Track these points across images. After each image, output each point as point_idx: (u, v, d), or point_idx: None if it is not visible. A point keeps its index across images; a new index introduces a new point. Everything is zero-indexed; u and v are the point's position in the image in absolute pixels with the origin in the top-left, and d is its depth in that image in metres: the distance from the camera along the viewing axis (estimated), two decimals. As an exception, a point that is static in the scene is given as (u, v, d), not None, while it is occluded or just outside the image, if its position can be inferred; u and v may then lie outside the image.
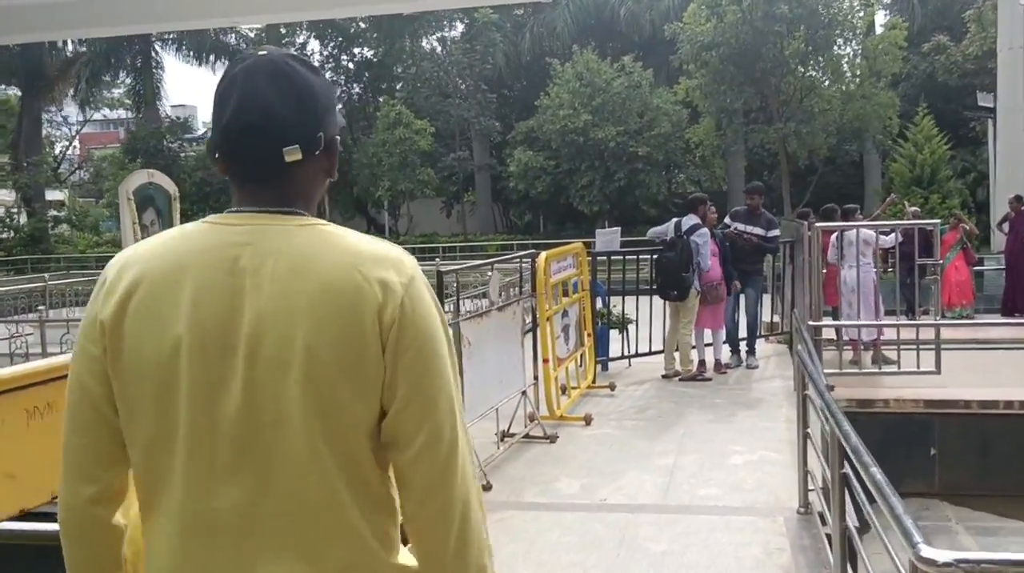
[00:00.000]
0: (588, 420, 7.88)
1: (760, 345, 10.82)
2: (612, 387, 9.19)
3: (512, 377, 7.24)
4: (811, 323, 8.72)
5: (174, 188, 14.25)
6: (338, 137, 1.49)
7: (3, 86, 35.49)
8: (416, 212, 36.96)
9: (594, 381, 9.34)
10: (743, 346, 10.42)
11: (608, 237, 10.78)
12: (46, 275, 20.10)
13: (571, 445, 7.28)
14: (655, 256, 9.52)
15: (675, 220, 9.59)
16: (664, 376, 9.64)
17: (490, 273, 7.22)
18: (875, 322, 9.48)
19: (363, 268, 1.36)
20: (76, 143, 48.62)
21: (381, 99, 34.43)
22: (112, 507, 1.47)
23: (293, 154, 1.39)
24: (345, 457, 1.37)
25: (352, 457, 1.38)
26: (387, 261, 1.39)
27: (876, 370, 9.20)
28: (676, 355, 9.70)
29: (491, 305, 6.91)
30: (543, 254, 8.00)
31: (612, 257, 10.95)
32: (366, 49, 39.68)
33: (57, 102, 34.48)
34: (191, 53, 34.16)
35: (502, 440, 7.23)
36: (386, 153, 29.97)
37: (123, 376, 1.38)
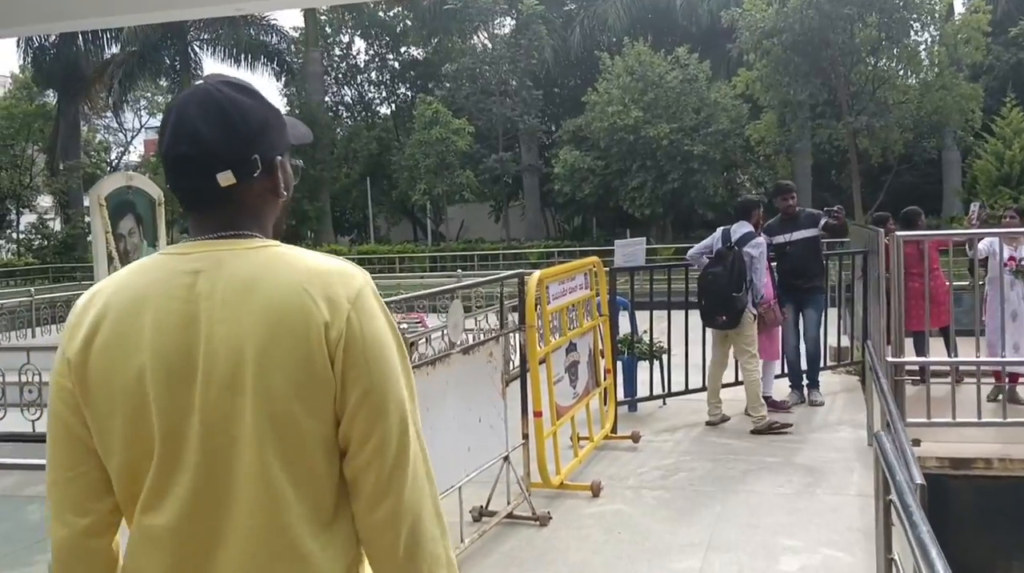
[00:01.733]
0: (596, 490, 6.05)
1: (824, 377, 8.88)
2: (636, 438, 7.32)
3: (488, 440, 5.44)
4: (890, 360, 6.82)
5: (158, 192, 12.73)
6: (281, 157, 1.48)
7: (41, 91, 34.82)
8: (465, 217, 35.46)
9: (614, 430, 7.49)
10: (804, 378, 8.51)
11: (630, 249, 8.88)
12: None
13: (566, 530, 5.46)
14: (699, 272, 7.66)
15: (721, 230, 7.70)
16: (709, 424, 7.73)
17: (451, 302, 5.40)
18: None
19: (309, 286, 1.37)
20: (141, 148, 48.04)
21: (407, 93, 32.94)
22: (108, 537, 1.49)
23: (227, 179, 1.40)
24: (303, 480, 1.37)
25: (311, 480, 1.38)
26: (334, 277, 1.40)
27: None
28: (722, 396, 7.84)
29: (450, 347, 5.13)
30: (536, 273, 6.17)
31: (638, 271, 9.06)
32: (413, 48, 38.40)
33: (93, 106, 33.66)
34: (227, 53, 33.04)
35: (478, 519, 5.47)
36: (423, 154, 28.35)
37: (94, 409, 1.40)
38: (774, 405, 8.05)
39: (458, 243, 31.88)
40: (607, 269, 7.85)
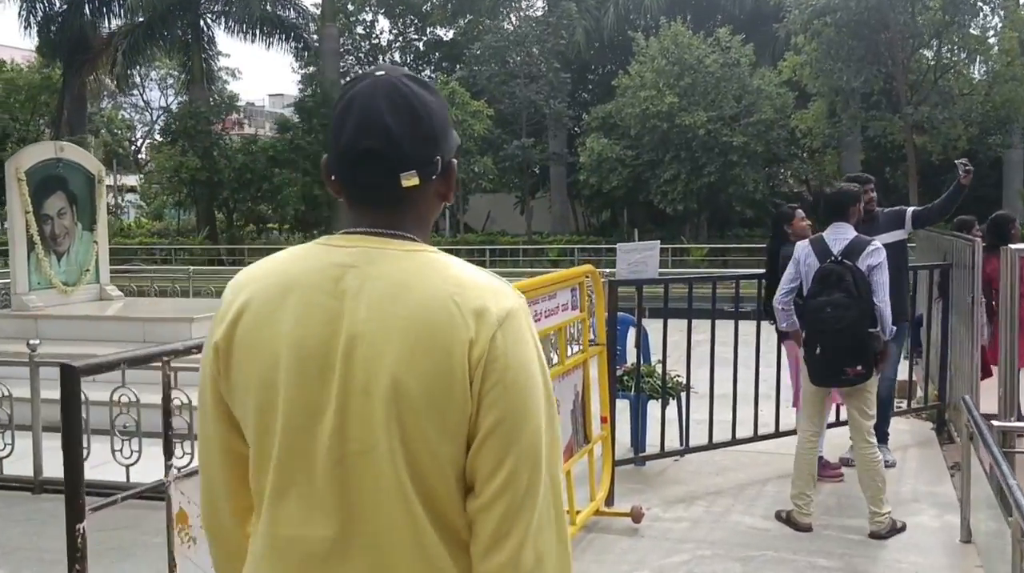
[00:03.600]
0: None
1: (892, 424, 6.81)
2: (637, 516, 5.27)
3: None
4: (999, 425, 4.81)
5: (99, 167, 10.87)
6: (454, 160, 1.44)
7: (47, 62, 33.31)
8: (492, 208, 33.59)
9: (608, 501, 5.47)
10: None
11: (637, 256, 6.70)
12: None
13: None
14: (806, 306, 5.15)
15: (803, 244, 5.30)
16: (786, 517, 5.34)
17: None
18: None
19: (459, 299, 1.31)
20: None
21: (432, 75, 31.03)
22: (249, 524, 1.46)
23: (410, 179, 1.36)
24: (431, 498, 1.30)
25: (441, 500, 1.31)
26: (486, 293, 1.33)
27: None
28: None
29: None
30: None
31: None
32: (439, 28, 36.52)
33: (98, 78, 32.12)
34: (240, 27, 31.26)
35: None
36: (435, 138, 26.42)
37: (232, 396, 1.38)
38: (826, 468, 6.00)
39: (479, 235, 29.90)
40: (606, 280, 5.82)
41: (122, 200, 37.96)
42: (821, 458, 5.93)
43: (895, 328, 5.28)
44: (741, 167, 25.44)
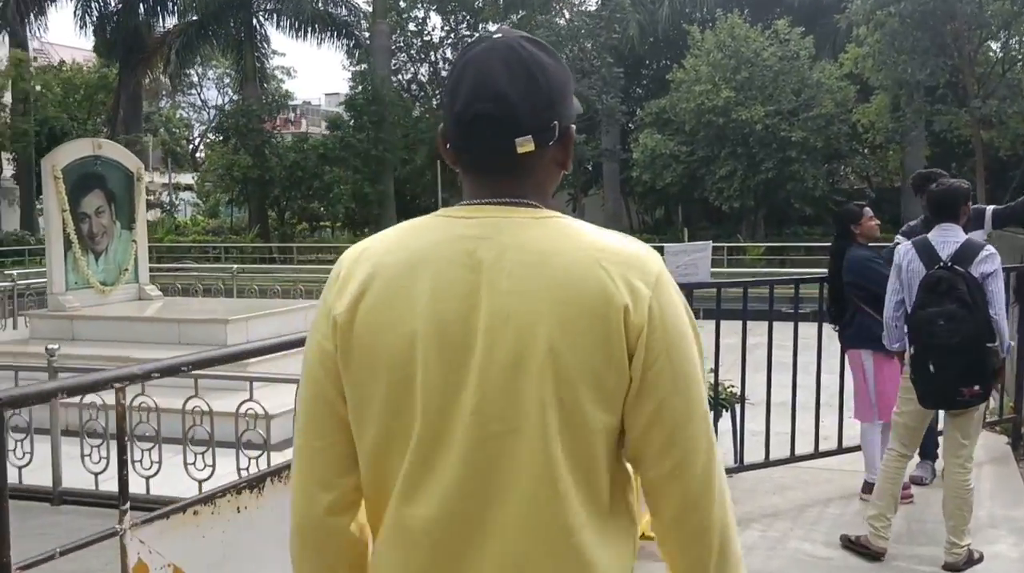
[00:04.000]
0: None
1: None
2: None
3: None
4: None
5: (137, 165, 10.70)
6: (573, 126, 1.37)
7: (104, 62, 33.72)
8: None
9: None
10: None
11: (687, 258, 6.20)
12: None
13: None
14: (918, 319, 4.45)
15: (906, 246, 4.64)
16: (854, 541, 4.82)
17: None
18: None
19: (606, 263, 1.26)
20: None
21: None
22: (350, 516, 1.38)
23: (526, 145, 1.30)
24: (584, 473, 1.26)
25: (591, 472, 1.27)
26: (631, 258, 1.28)
27: None
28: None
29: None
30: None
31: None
32: (491, 24, 36.17)
33: (157, 78, 32.41)
34: (292, 24, 31.26)
35: None
36: (481, 134, 25.99)
37: (354, 375, 1.31)
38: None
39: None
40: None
41: (176, 198, 38.29)
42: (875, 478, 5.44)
43: (1012, 344, 4.70)
44: (800, 163, 24.67)
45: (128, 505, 2.06)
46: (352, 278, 1.33)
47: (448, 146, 1.35)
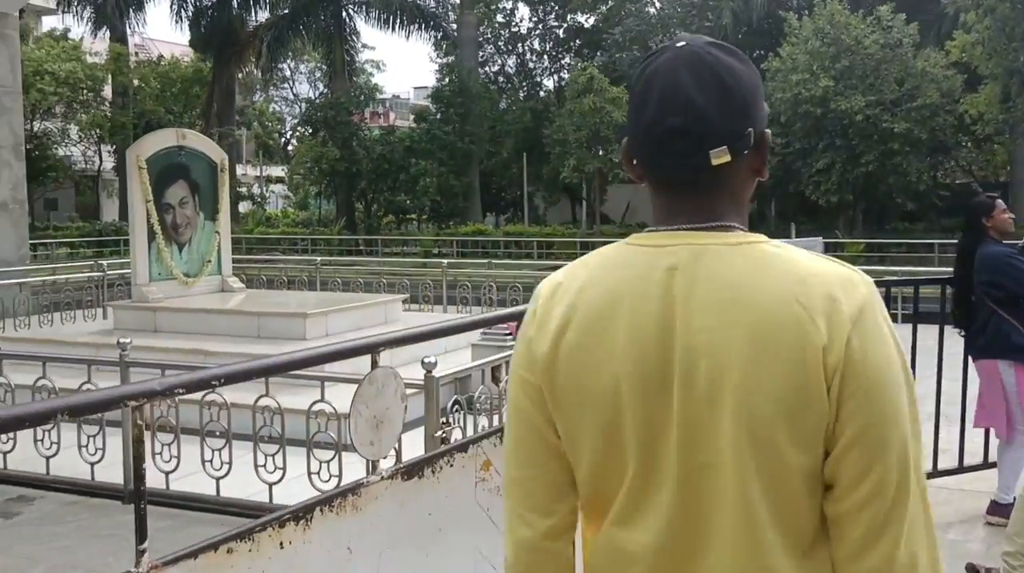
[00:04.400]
0: None
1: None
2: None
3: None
4: None
5: (221, 155, 10.62)
6: (768, 131, 1.32)
7: (200, 57, 34.37)
8: (632, 198, 32.63)
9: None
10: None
11: None
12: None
13: None
14: None
15: None
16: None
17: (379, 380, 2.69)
18: None
19: (804, 299, 1.20)
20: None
21: (571, 63, 30.18)
22: (566, 539, 1.39)
23: (721, 156, 1.25)
24: (782, 513, 1.24)
25: (790, 514, 1.24)
26: (833, 287, 1.21)
27: None
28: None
29: (371, 472, 2.50)
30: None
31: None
32: (579, 14, 35.71)
33: (251, 72, 32.90)
34: (380, 17, 31.30)
35: None
36: (573, 126, 25.44)
37: (562, 409, 1.31)
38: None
39: (616, 227, 28.88)
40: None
41: (267, 190, 38.89)
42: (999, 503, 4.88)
43: None
44: (903, 155, 23.52)
45: (147, 544, 1.74)
46: (551, 314, 1.31)
47: (635, 163, 1.32)
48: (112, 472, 5.77)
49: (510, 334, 8.63)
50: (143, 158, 9.49)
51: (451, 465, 2.67)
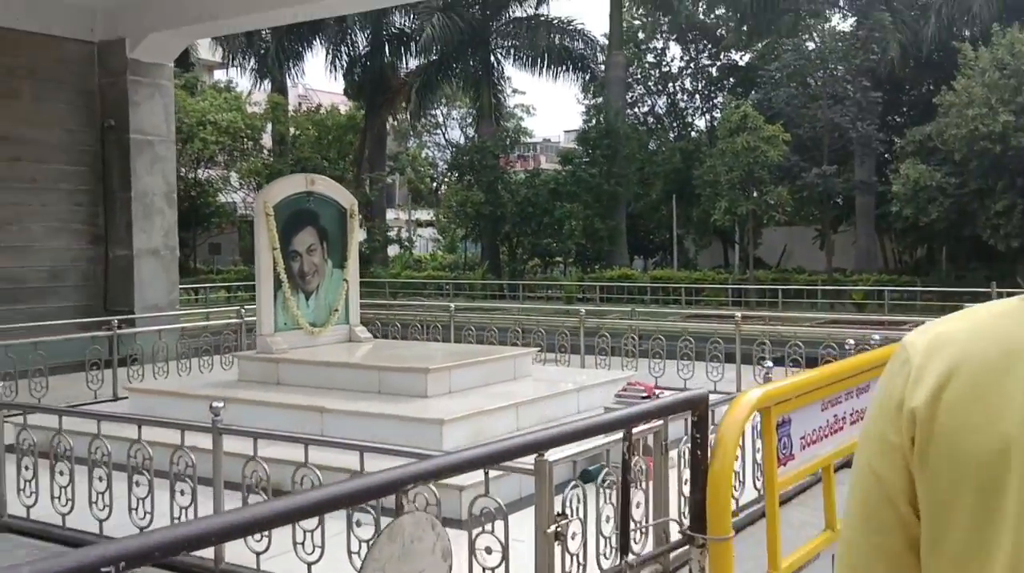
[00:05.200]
0: None
1: None
2: None
3: None
4: None
5: (351, 201, 10.32)
6: None
7: (357, 105, 35.27)
8: (788, 241, 31.09)
9: None
10: None
11: None
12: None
13: None
14: None
15: None
16: None
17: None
18: None
19: None
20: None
21: (723, 102, 29.03)
22: None
23: None
24: None
25: None
26: None
27: None
28: None
29: None
30: (748, 396, 2.58)
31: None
32: (734, 52, 34.63)
33: (406, 119, 33.45)
34: (527, 60, 31.18)
35: None
36: (725, 166, 24.24)
37: (931, 475, 1.20)
38: None
39: (770, 273, 27.35)
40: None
41: (415, 234, 39.35)
42: None
43: None
44: (1095, 196, 21.24)
45: None
46: (928, 366, 1.20)
47: None
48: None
49: (648, 397, 7.81)
50: (270, 204, 9.25)
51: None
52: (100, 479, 5.60)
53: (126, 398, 9.46)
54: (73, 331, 12.02)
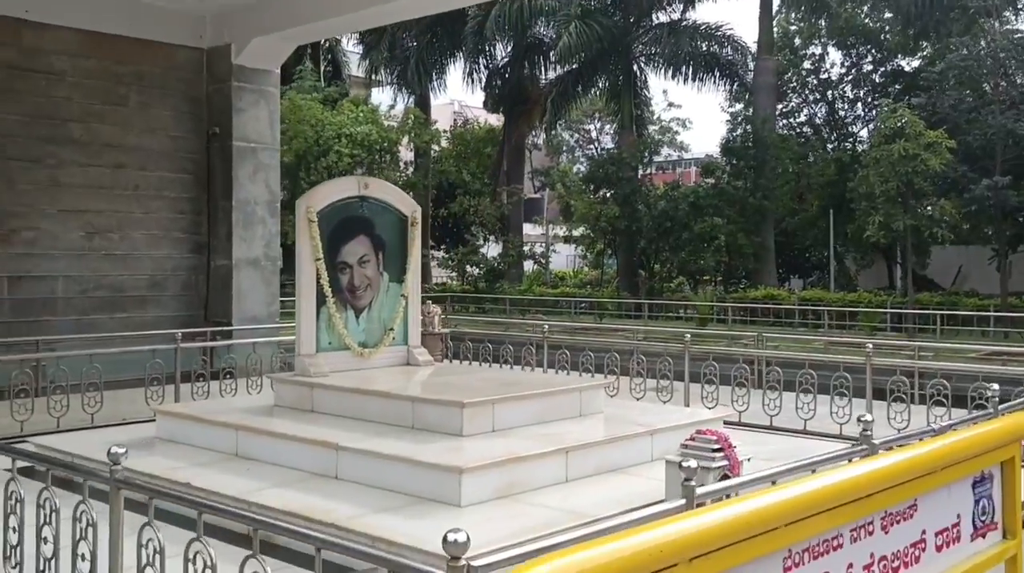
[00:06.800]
0: None
1: None
2: None
3: None
4: None
5: (414, 208, 9.22)
6: None
7: (494, 115, 34.61)
8: (964, 262, 28.00)
9: None
10: None
11: None
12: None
13: None
14: None
15: None
16: None
17: None
18: None
19: None
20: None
21: (878, 102, 26.36)
22: None
23: None
24: None
25: None
26: None
27: None
28: None
29: None
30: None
31: None
32: (900, 58, 31.76)
33: (532, 128, 32.52)
34: (670, 67, 29.48)
35: None
36: (880, 177, 21.72)
37: None
38: None
39: (936, 296, 24.49)
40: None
41: (551, 250, 38.23)
42: None
43: None
44: None
45: None
46: None
47: None
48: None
49: (721, 449, 6.28)
50: (314, 210, 8.27)
51: None
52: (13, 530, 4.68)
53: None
54: (168, 342, 11.51)
